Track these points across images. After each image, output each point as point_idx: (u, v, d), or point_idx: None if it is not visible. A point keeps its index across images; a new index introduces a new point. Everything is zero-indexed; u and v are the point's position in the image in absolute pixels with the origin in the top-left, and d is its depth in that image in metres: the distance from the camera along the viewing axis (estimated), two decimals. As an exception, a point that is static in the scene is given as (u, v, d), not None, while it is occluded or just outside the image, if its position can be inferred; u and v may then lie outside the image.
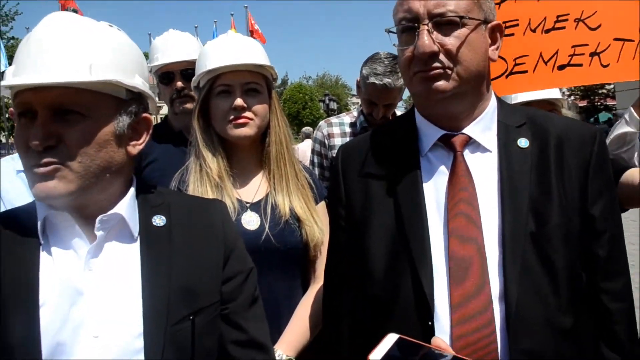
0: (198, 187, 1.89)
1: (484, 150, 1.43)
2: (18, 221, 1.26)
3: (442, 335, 1.27)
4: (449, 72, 1.35)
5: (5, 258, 1.19)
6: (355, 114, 3.39)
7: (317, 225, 1.98)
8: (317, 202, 2.07)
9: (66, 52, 1.17)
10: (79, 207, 1.24)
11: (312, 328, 1.93)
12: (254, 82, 1.94)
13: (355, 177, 1.54)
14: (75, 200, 1.21)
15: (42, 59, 1.15)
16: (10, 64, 1.42)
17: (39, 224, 1.23)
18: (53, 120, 1.16)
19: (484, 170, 1.40)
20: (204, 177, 1.91)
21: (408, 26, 1.36)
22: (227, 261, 1.38)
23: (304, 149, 9.95)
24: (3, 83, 1.16)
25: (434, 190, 1.42)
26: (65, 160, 1.18)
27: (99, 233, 1.25)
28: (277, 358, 1.76)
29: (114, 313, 1.21)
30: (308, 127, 16.67)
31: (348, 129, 3.33)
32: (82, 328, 1.18)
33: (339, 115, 3.54)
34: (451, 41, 1.33)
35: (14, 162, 2.51)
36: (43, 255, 1.22)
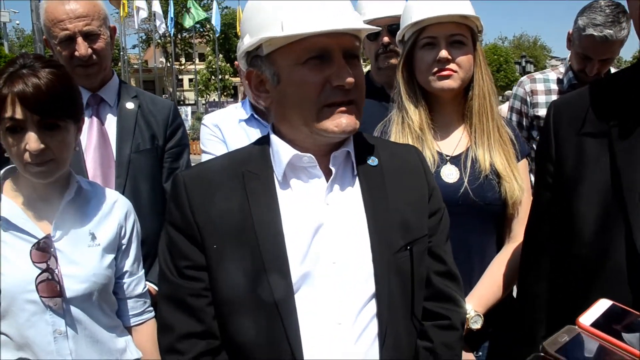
0: (400, 138, 1.94)
1: None
2: (253, 160, 1.40)
3: None
4: None
5: (250, 196, 1.34)
6: (562, 69, 3.13)
7: (517, 183, 1.91)
8: (518, 160, 2.00)
9: (348, 4, 1.34)
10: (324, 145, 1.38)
11: (504, 287, 1.90)
12: (459, 33, 1.91)
13: (568, 133, 1.45)
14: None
15: (339, 9, 1.30)
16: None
17: (284, 163, 1.36)
18: (345, 63, 1.30)
19: None
20: (405, 128, 1.95)
21: None
22: (430, 197, 1.46)
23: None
24: (322, 27, 1.25)
25: None
26: (357, 99, 1.34)
27: (333, 168, 1.37)
28: (466, 312, 1.77)
29: (347, 242, 1.34)
30: (509, 91, 15.80)
31: (554, 86, 3.10)
32: (322, 256, 1.33)
33: (544, 70, 3.29)
34: None
35: (237, 111, 2.82)
36: (281, 192, 1.35)
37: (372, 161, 1.42)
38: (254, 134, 2.73)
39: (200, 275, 1.33)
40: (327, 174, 1.37)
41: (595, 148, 1.37)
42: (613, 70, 3.16)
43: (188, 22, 39.47)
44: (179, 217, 1.35)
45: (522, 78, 3.35)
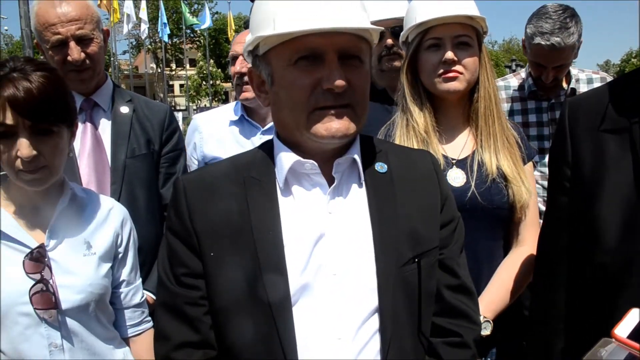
0: (404, 141, 1.89)
1: None
2: (256, 166, 1.34)
3: None
4: None
5: (250, 202, 1.28)
6: (523, 75, 3.05)
7: (525, 186, 1.88)
8: (524, 162, 1.96)
9: (352, 3, 1.25)
10: (328, 151, 1.30)
11: (513, 292, 1.86)
12: (464, 34, 1.87)
13: (585, 133, 1.40)
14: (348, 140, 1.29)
15: (336, 8, 1.21)
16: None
17: (285, 169, 1.30)
18: (339, 64, 1.22)
19: None
20: (410, 131, 1.91)
21: None
22: (442, 207, 1.39)
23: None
24: (309, 26, 1.18)
25: None
26: (353, 103, 1.25)
27: (336, 176, 1.31)
28: (481, 328, 1.72)
29: (350, 253, 1.27)
30: None
31: (515, 94, 3.02)
32: (323, 267, 1.26)
33: (505, 77, 3.19)
34: None
35: (228, 112, 2.79)
36: (282, 199, 1.30)
37: (381, 167, 1.35)
38: (242, 136, 2.70)
39: (197, 283, 1.29)
40: (331, 180, 1.31)
41: (616, 147, 1.32)
42: (597, 74, 3.07)
43: (190, 21, 40.63)
44: (177, 224, 1.32)
45: None
